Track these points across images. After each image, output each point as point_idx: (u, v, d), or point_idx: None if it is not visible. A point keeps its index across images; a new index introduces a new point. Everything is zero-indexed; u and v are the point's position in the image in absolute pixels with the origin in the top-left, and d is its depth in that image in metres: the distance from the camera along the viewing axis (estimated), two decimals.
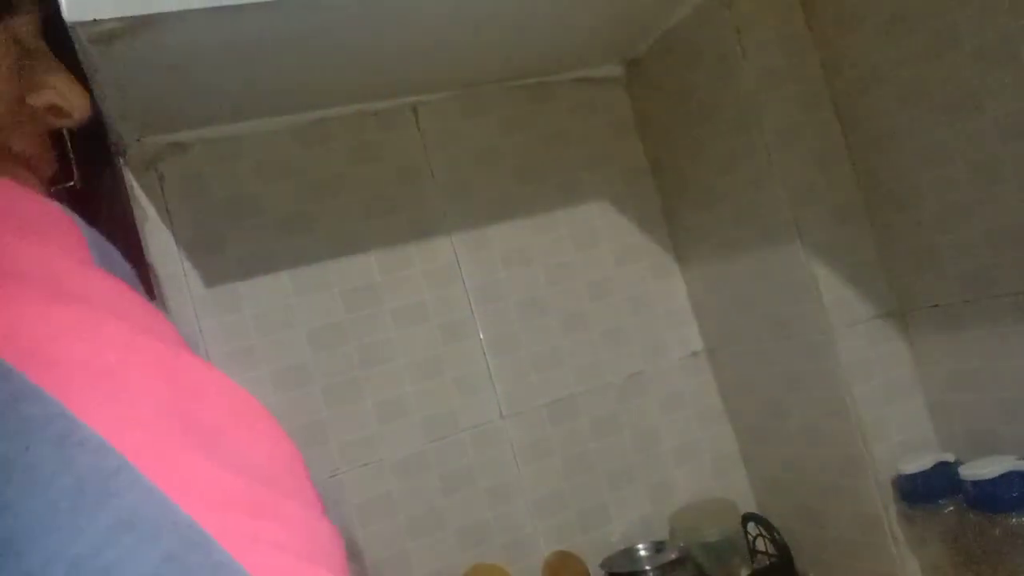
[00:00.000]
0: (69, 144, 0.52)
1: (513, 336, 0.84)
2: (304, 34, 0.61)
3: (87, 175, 0.56)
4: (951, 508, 0.69)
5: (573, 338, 0.86)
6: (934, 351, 0.74)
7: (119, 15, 0.48)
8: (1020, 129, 0.61)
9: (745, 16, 0.75)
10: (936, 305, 0.73)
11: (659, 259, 0.92)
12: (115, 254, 0.31)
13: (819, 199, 0.76)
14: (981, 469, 0.65)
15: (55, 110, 0.41)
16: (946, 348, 0.73)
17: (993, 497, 0.64)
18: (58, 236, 0.29)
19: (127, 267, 0.32)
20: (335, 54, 0.67)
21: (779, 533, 0.83)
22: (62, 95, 0.41)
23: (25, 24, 0.38)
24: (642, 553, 0.83)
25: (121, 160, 0.73)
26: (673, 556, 0.78)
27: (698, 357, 0.92)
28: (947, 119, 0.67)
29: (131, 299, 0.27)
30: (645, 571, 0.78)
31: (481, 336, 0.83)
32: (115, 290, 0.27)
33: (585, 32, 0.79)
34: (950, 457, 0.71)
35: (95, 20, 0.48)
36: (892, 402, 0.75)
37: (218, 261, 0.75)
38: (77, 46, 0.51)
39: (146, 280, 0.70)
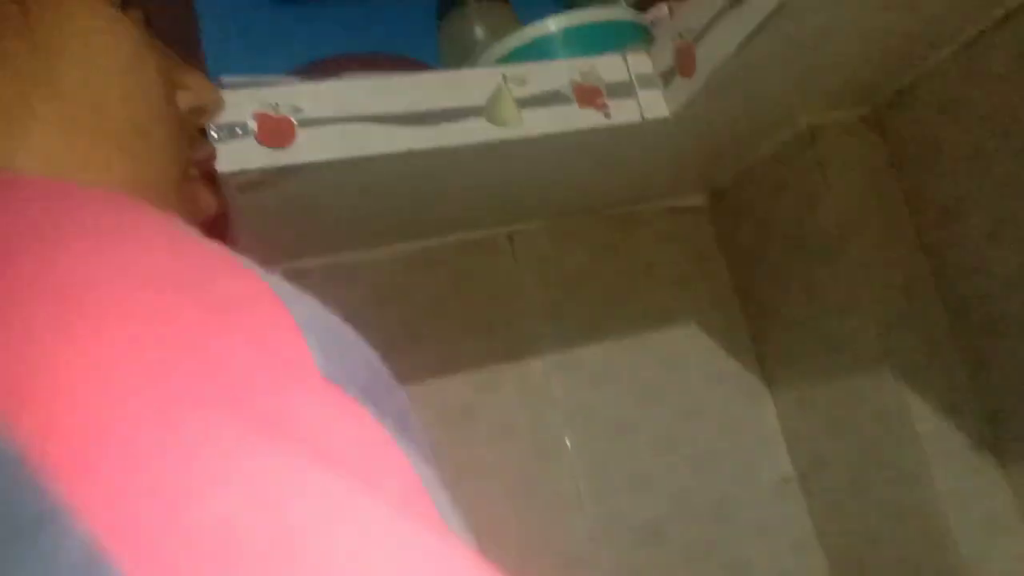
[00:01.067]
0: None
1: (603, 458, 0.86)
2: (426, 174, 0.67)
3: None
4: None
5: (662, 461, 0.87)
6: None
7: (267, 166, 0.54)
8: None
9: (828, 152, 0.79)
10: None
11: (748, 383, 0.93)
12: (357, 349, 0.24)
13: (908, 327, 0.77)
14: None
15: (197, 110, 0.39)
16: None
17: None
18: (256, 326, 0.21)
19: (376, 363, 0.25)
20: (447, 191, 0.73)
21: None
22: (200, 94, 0.39)
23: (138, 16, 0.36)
24: None
25: None
26: None
27: (790, 484, 0.91)
28: None
29: (362, 435, 0.20)
30: None
31: (571, 457, 0.85)
32: (339, 420, 0.20)
33: (672, 167, 0.84)
34: None
35: (243, 170, 0.55)
36: (993, 536, 0.73)
37: None
38: (224, 191, 0.57)
39: None
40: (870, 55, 0.69)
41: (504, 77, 0.66)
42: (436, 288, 0.86)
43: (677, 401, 0.90)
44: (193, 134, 0.38)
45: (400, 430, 0.22)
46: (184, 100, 0.37)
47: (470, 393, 0.84)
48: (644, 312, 0.91)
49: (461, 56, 0.83)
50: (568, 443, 0.85)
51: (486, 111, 0.65)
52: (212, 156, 0.40)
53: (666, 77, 0.68)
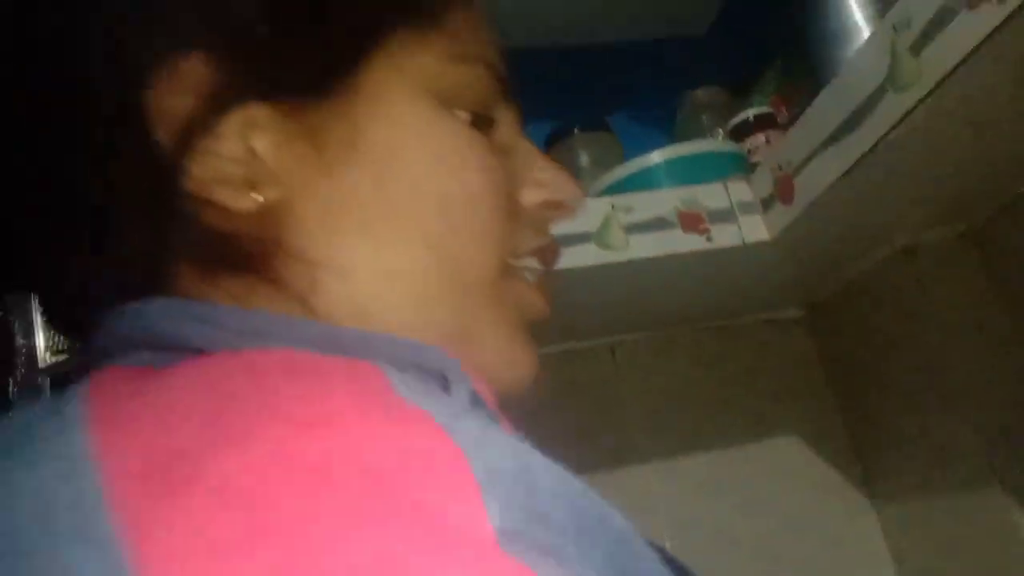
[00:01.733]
0: None
1: (706, 568, 0.86)
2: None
3: None
4: None
5: (763, 573, 0.87)
6: None
7: None
8: None
9: (927, 270, 0.81)
10: None
11: (852, 497, 0.93)
12: (550, 488, 0.22)
13: (1014, 442, 0.76)
14: None
15: (549, 205, 0.39)
16: None
17: None
18: (423, 500, 0.20)
19: (580, 496, 0.23)
20: (556, 307, 0.78)
21: None
22: (555, 190, 0.39)
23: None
24: None
25: None
26: None
27: None
28: None
29: None
30: None
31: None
32: None
33: (771, 284, 0.87)
34: None
35: None
36: None
37: None
38: None
39: None
40: (967, 178, 0.72)
41: (612, 206, 0.71)
42: (539, 396, 0.90)
43: (779, 513, 0.90)
44: (539, 229, 0.39)
45: (610, 562, 0.23)
46: (530, 196, 0.38)
47: None
48: (744, 423, 0.93)
49: None
50: (670, 552, 0.86)
51: (596, 236, 0.70)
52: (551, 252, 0.40)
53: (766, 203, 0.72)
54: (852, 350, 0.92)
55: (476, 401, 0.28)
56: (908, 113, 0.55)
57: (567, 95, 1.04)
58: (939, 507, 0.83)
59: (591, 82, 1.05)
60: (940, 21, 0.51)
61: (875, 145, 0.58)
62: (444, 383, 0.28)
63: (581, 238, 0.70)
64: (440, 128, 0.34)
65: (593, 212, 0.71)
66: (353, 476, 0.20)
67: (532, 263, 0.38)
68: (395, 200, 0.32)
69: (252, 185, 0.31)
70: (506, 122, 0.38)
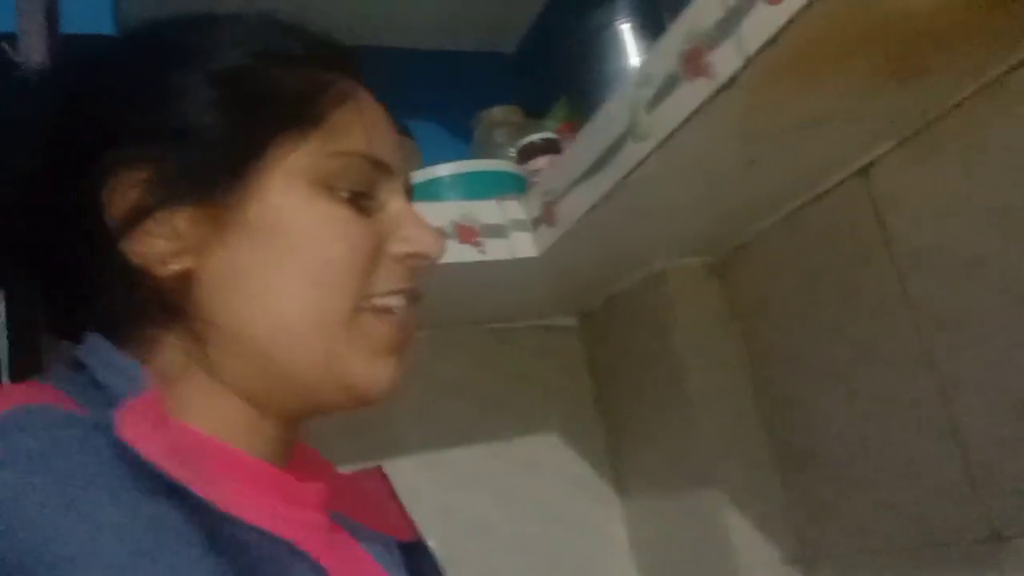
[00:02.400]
0: None
1: (460, 557, 0.93)
2: None
3: None
4: None
5: (516, 561, 0.95)
6: None
7: None
8: (894, 411, 0.74)
9: (675, 291, 0.91)
10: (833, 555, 0.83)
11: (603, 491, 1.02)
12: None
13: (734, 453, 0.88)
14: None
15: (412, 255, 0.48)
16: None
17: None
18: None
19: None
20: None
21: None
22: (415, 244, 0.48)
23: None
24: None
25: None
26: None
27: None
28: (836, 395, 0.80)
29: None
30: None
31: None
32: None
33: (542, 294, 0.95)
34: None
35: None
36: None
37: None
38: None
39: None
40: (707, 218, 0.82)
41: None
42: None
43: (534, 505, 0.98)
44: (398, 274, 0.47)
45: None
46: (397, 248, 0.47)
47: None
48: (512, 420, 1.00)
49: None
50: (430, 540, 0.92)
51: None
52: (416, 293, 0.48)
53: (535, 223, 0.79)
54: (613, 358, 1.02)
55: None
56: (643, 160, 0.63)
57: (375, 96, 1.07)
58: (670, 504, 0.93)
59: (395, 87, 1.08)
60: (668, 86, 0.58)
61: (617, 185, 0.66)
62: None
63: None
64: (312, 211, 0.44)
65: None
66: None
67: (392, 302, 0.46)
68: (275, 269, 0.43)
69: (166, 257, 0.42)
70: (386, 189, 0.47)
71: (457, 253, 0.77)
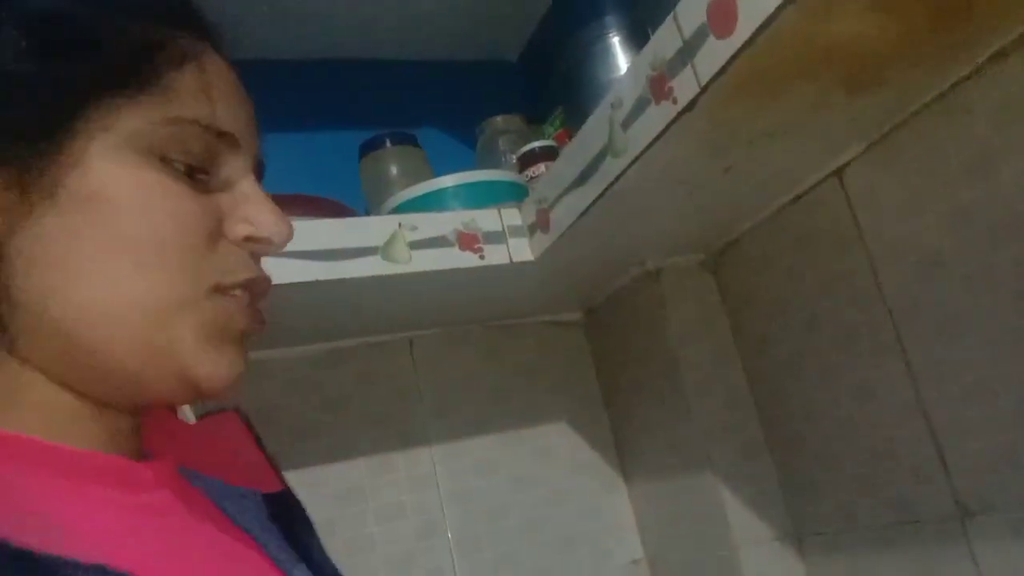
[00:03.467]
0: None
1: (477, 537, 1.00)
2: (332, 297, 0.82)
3: None
4: None
5: (529, 542, 1.02)
6: (821, 572, 0.89)
7: None
8: (871, 396, 0.79)
9: (669, 288, 0.96)
10: (821, 533, 0.88)
11: (608, 475, 1.08)
12: None
13: (729, 436, 0.93)
14: None
15: (251, 239, 0.43)
16: (830, 570, 0.87)
17: None
18: None
19: None
20: (350, 308, 0.88)
21: None
22: (257, 226, 0.43)
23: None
24: None
25: None
26: None
27: (638, 565, 1.06)
28: (820, 382, 0.85)
29: None
30: None
31: (449, 536, 0.99)
32: None
33: (542, 294, 1.01)
34: None
35: None
36: None
37: None
38: None
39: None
40: (695, 221, 0.87)
41: (400, 224, 0.82)
42: (341, 384, 1.00)
43: (545, 489, 1.04)
44: (243, 261, 0.43)
45: None
46: (236, 230, 0.42)
47: (364, 477, 0.97)
48: (521, 410, 1.07)
49: (379, 189, 0.99)
50: (447, 524, 0.99)
51: (382, 250, 0.81)
52: (260, 286, 0.44)
53: (532, 229, 0.85)
54: (616, 351, 1.07)
55: None
56: (622, 173, 0.68)
57: (383, 108, 1.14)
58: (670, 486, 0.99)
59: (405, 98, 1.15)
60: (639, 107, 0.64)
61: (601, 195, 0.72)
62: None
63: (369, 251, 0.80)
64: (134, 179, 0.39)
65: (382, 228, 0.81)
66: None
67: (237, 293, 0.42)
68: (88, 243, 0.38)
69: None
70: (231, 165, 0.43)
71: (459, 260, 0.83)
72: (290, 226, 0.44)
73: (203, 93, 0.41)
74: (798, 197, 0.84)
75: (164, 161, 0.40)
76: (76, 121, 0.38)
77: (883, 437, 0.79)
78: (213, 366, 0.41)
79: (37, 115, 0.38)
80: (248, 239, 0.43)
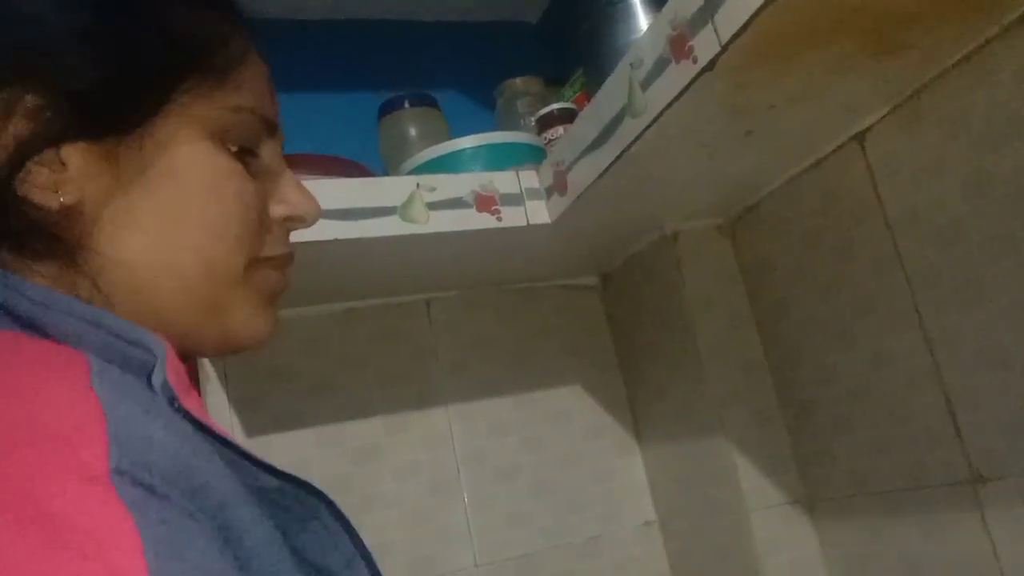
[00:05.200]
0: None
1: (490, 496, 1.01)
2: (350, 256, 0.83)
3: None
4: None
5: (541, 502, 1.03)
6: (832, 536, 0.89)
7: None
8: (887, 362, 0.79)
9: (685, 252, 0.96)
10: (834, 497, 0.89)
11: (622, 438, 1.09)
12: (164, 449, 0.33)
13: (742, 401, 0.94)
14: None
15: (290, 218, 0.50)
16: (842, 535, 0.88)
17: None
18: (57, 434, 0.31)
19: (187, 462, 0.34)
20: (370, 267, 0.89)
21: None
22: (295, 207, 0.49)
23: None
24: None
25: None
26: None
27: (651, 527, 1.07)
28: (835, 349, 0.85)
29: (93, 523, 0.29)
30: None
31: (464, 493, 1.00)
32: (83, 512, 0.29)
33: (559, 257, 1.01)
34: None
35: None
36: None
37: (258, 417, 0.94)
38: None
39: None
40: (714, 184, 0.87)
41: (417, 185, 0.82)
42: (358, 344, 1.01)
43: (558, 450, 1.05)
44: (280, 237, 0.49)
45: (212, 517, 0.34)
46: (277, 211, 0.49)
47: (380, 435, 0.99)
48: (536, 373, 1.08)
49: (397, 150, 0.99)
50: (462, 482, 1.00)
51: (400, 211, 0.81)
52: (286, 261, 0.50)
53: (548, 191, 0.85)
54: (631, 315, 1.08)
55: (166, 381, 0.39)
56: (641, 135, 0.68)
57: (402, 69, 1.13)
58: (682, 450, 1.00)
59: (424, 58, 1.15)
60: (659, 67, 0.63)
61: (619, 157, 0.71)
62: (151, 358, 0.40)
63: (387, 211, 0.80)
64: (211, 162, 0.45)
65: (400, 189, 0.82)
66: (20, 424, 0.32)
67: (272, 274, 0.49)
68: (170, 215, 0.44)
69: (56, 189, 0.41)
70: (269, 151, 0.49)
71: (476, 221, 0.83)
72: (319, 207, 0.51)
73: (255, 85, 0.47)
74: (818, 162, 0.84)
75: (223, 143, 0.45)
76: (164, 108, 0.43)
77: (897, 403, 0.79)
78: (254, 324, 0.47)
79: (132, 99, 0.43)
80: (287, 219, 0.49)
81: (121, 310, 0.42)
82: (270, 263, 0.48)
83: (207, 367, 0.94)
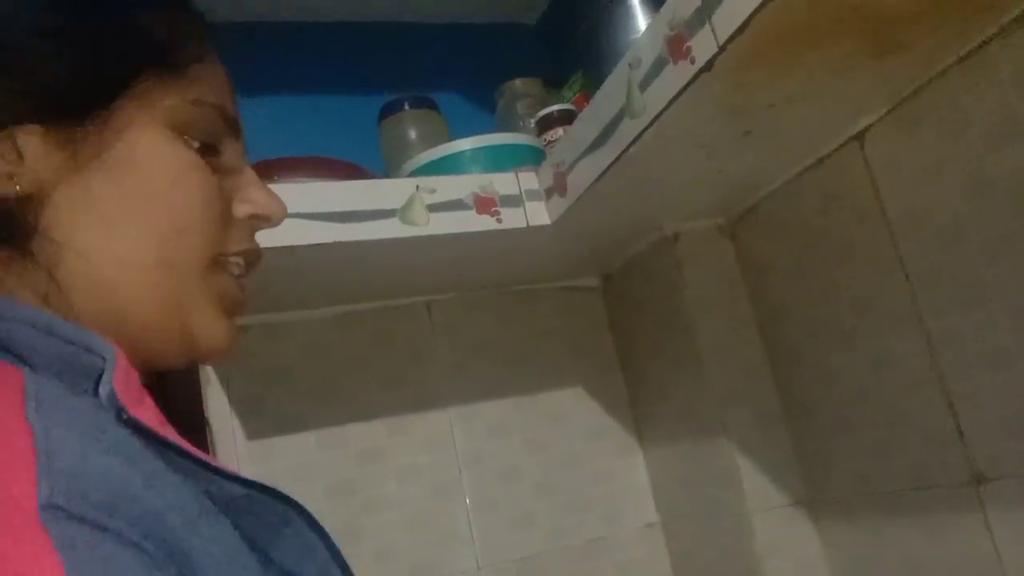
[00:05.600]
0: None
1: (492, 498, 1.01)
2: (351, 259, 0.83)
3: None
4: None
5: (543, 503, 1.03)
6: (834, 537, 0.89)
7: None
8: (888, 363, 0.79)
9: (685, 253, 0.96)
10: (836, 499, 0.88)
11: (623, 439, 1.09)
12: (104, 478, 0.31)
13: (744, 403, 0.94)
14: None
15: (255, 217, 0.49)
16: (844, 536, 0.88)
17: None
18: None
19: (129, 493, 0.32)
20: (370, 270, 0.89)
21: None
22: (259, 206, 0.49)
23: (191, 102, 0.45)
24: None
25: None
26: None
27: (653, 528, 1.07)
28: (837, 349, 0.85)
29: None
30: None
31: (466, 495, 1.00)
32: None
33: (560, 258, 1.01)
34: None
35: None
36: None
37: (259, 419, 0.94)
38: None
39: (202, 432, 0.88)
40: (714, 185, 0.87)
41: (417, 187, 0.82)
42: (358, 346, 1.01)
43: (560, 452, 1.05)
44: (244, 235, 0.49)
45: (161, 543, 0.31)
46: (241, 209, 0.48)
47: (382, 437, 0.99)
48: (537, 375, 1.07)
49: (398, 152, 0.99)
50: (464, 484, 1.00)
51: (400, 213, 0.81)
52: (254, 256, 0.50)
53: (548, 193, 0.85)
54: (632, 317, 1.08)
55: (112, 392, 0.37)
56: (640, 135, 0.68)
57: (402, 71, 1.13)
58: (684, 451, 1.00)
59: (424, 61, 1.15)
60: (657, 68, 0.63)
61: (618, 158, 0.71)
62: (100, 362, 0.38)
63: (387, 213, 0.80)
64: (172, 153, 0.44)
65: (400, 191, 0.82)
66: None
67: (239, 261, 0.48)
68: (129, 203, 0.43)
69: (12, 177, 0.41)
70: (232, 150, 0.49)
71: (476, 223, 0.83)
72: (285, 207, 0.51)
73: (215, 82, 0.48)
74: (818, 162, 0.83)
75: (184, 138, 0.45)
76: (123, 95, 0.43)
77: (899, 404, 0.79)
78: (213, 330, 0.46)
79: (91, 85, 0.42)
80: (253, 217, 0.49)
81: (80, 307, 0.41)
82: (229, 261, 0.47)
83: (208, 371, 0.94)
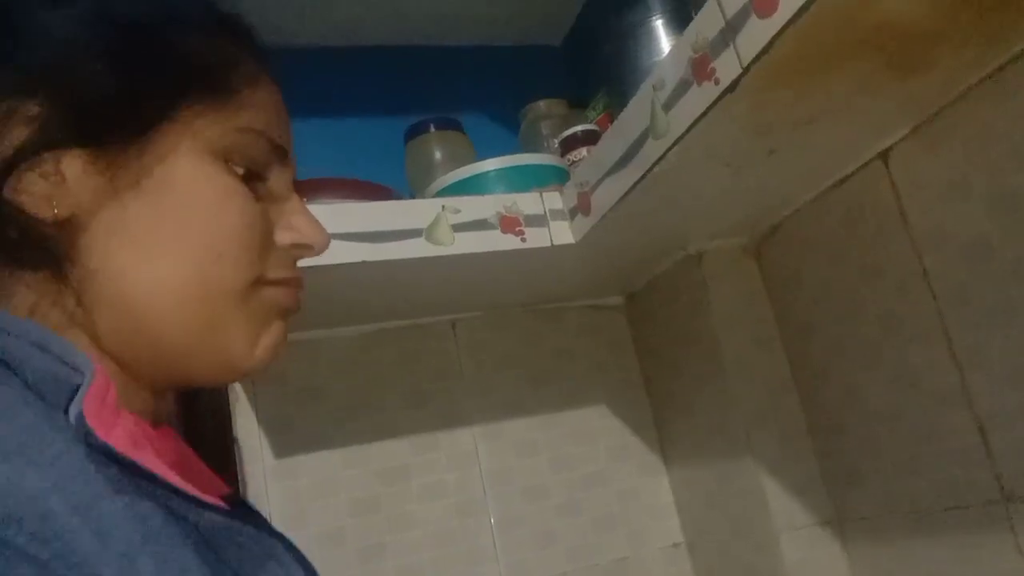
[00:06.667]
0: None
1: (517, 517, 1.01)
2: (378, 278, 0.84)
3: None
4: None
5: (568, 522, 1.03)
6: (862, 557, 0.88)
7: None
8: (915, 382, 0.79)
9: (711, 272, 0.96)
10: (864, 518, 0.88)
11: (648, 458, 1.09)
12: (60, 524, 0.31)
13: (769, 421, 0.93)
14: None
15: (296, 246, 0.48)
16: (872, 556, 0.87)
17: None
18: None
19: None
20: (396, 289, 0.90)
21: None
22: (301, 235, 0.48)
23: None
24: None
25: None
26: None
27: (679, 548, 1.06)
28: (863, 368, 0.85)
29: None
30: None
31: (490, 514, 1.00)
32: None
33: (583, 277, 1.01)
34: None
35: None
36: None
37: (287, 438, 0.95)
38: None
39: (229, 450, 0.89)
40: (738, 204, 0.87)
41: (443, 207, 0.83)
42: (384, 364, 1.02)
43: (584, 470, 1.05)
44: (285, 262, 0.48)
45: None
46: (284, 237, 0.48)
47: (408, 455, 0.99)
48: (561, 393, 1.08)
49: (423, 173, 1.00)
50: (488, 502, 1.01)
51: (426, 232, 0.82)
52: (295, 285, 0.49)
53: (572, 212, 0.86)
54: (657, 335, 1.08)
55: (80, 415, 0.36)
56: (663, 155, 0.69)
57: (428, 93, 1.15)
58: (709, 470, 0.99)
59: (450, 83, 1.16)
60: (681, 89, 0.64)
61: (642, 178, 0.72)
62: (80, 378, 0.38)
63: (414, 233, 0.82)
64: (213, 180, 0.44)
65: (426, 211, 0.83)
66: None
67: (279, 292, 0.47)
68: (166, 226, 0.43)
69: (52, 200, 0.41)
70: (278, 177, 0.48)
71: (501, 242, 0.84)
72: (328, 237, 0.50)
73: (265, 109, 0.47)
74: (842, 180, 0.84)
75: (228, 164, 0.45)
76: (166, 121, 0.43)
77: (927, 422, 0.78)
78: (252, 347, 0.45)
79: (137, 110, 0.42)
80: (294, 246, 0.48)
81: (104, 327, 0.41)
82: (276, 286, 0.47)
83: (237, 389, 0.96)
